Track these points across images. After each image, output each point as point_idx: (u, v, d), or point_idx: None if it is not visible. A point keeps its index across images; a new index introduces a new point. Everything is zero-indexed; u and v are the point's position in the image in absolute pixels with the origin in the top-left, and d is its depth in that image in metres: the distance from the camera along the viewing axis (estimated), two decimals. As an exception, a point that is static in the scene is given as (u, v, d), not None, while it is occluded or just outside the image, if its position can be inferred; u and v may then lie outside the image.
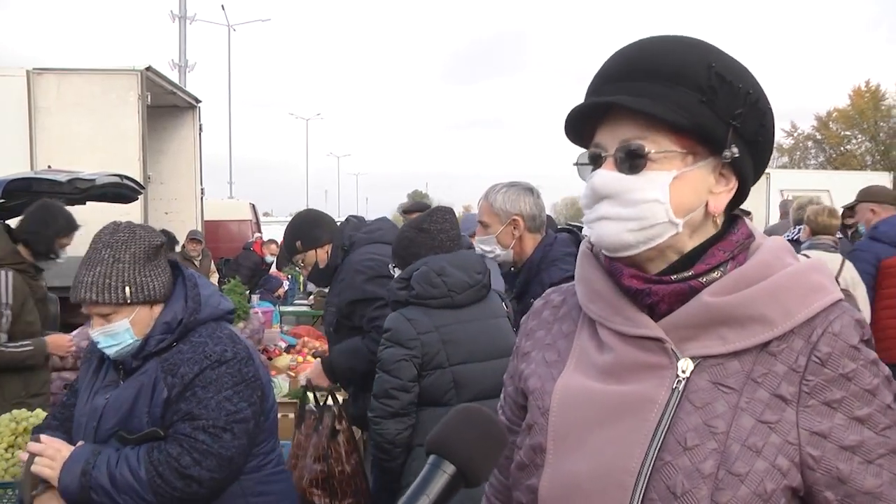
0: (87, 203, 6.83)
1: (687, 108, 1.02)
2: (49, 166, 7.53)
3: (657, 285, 1.05)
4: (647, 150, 1.04)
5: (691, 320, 1.03)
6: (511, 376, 1.26)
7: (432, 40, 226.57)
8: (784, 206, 10.79)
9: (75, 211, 7.21)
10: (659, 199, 1.04)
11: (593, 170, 1.08)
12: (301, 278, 15.31)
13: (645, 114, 1.02)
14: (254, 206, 18.40)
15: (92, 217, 7.75)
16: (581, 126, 1.11)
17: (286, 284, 12.73)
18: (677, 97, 1.02)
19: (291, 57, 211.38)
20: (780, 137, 49.86)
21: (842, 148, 40.97)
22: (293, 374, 5.33)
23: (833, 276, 1.08)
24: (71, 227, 4.17)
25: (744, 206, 1.16)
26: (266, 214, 29.87)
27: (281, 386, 4.90)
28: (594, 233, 1.07)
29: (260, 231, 16.72)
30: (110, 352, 2.09)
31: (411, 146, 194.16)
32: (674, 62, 1.04)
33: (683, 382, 1.02)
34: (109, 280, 2.02)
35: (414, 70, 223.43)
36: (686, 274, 1.05)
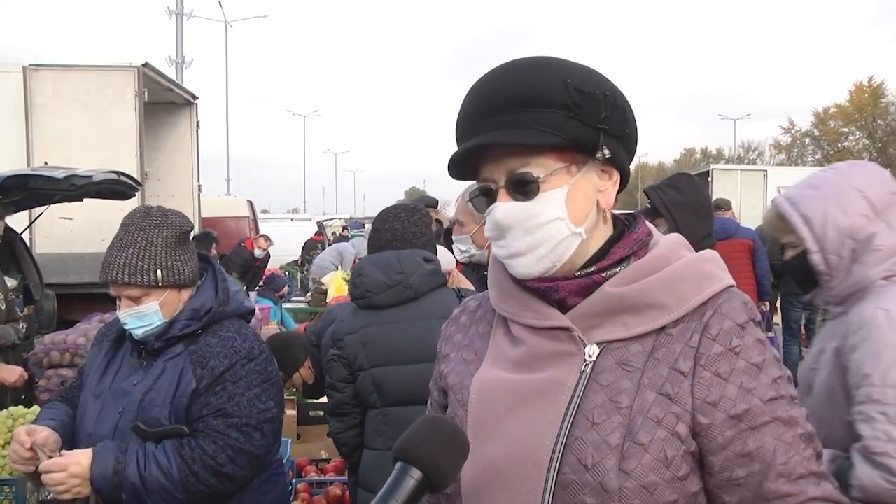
0: (84, 200, 6.83)
1: (559, 128, 1.09)
2: (46, 163, 7.51)
3: (563, 281, 1.13)
4: (536, 175, 1.10)
5: (595, 309, 1.12)
6: (434, 381, 1.33)
7: (434, 37, 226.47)
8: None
9: (74, 207, 7.26)
10: (559, 217, 1.11)
11: (488, 202, 1.15)
12: (299, 276, 15.34)
13: (521, 144, 1.09)
14: (251, 203, 18.40)
15: (89, 215, 7.78)
16: (463, 165, 1.17)
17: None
18: (547, 119, 1.09)
19: (289, 53, 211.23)
20: (777, 134, 50.09)
21: (839, 145, 41.06)
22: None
23: (724, 265, 1.17)
24: None
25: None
26: (264, 211, 29.89)
27: (278, 383, 4.90)
28: (514, 269, 1.14)
29: (258, 229, 16.72)
30: (137, 333, 2.09)
31: (410, 143, 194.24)
32: (534, 88, 1.10)
33: (591, 365, 1.10)
34: (142, 262, 2.03)
35: (414, 67, 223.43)
36: (589, 270, 1.14)
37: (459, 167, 1.17)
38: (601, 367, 1.09)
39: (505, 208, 1.12)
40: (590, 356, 1.10)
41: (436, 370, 1.32)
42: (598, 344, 1.11)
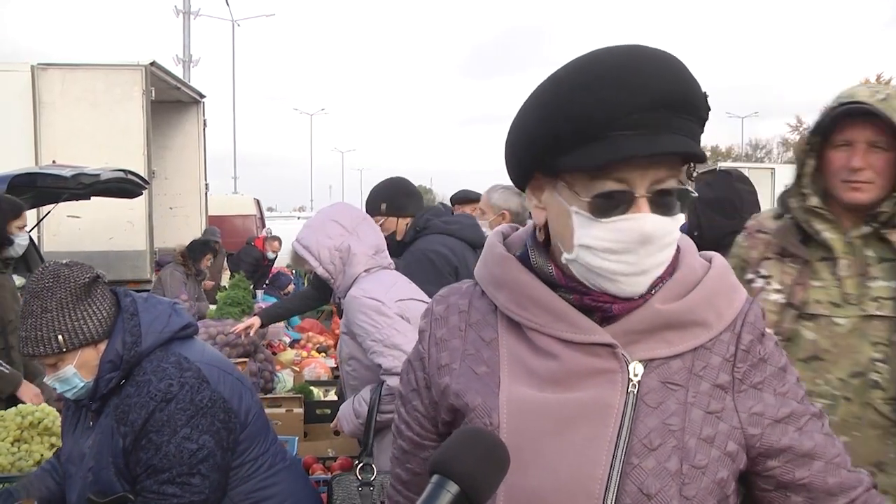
0: (92, 198, 6.86)
1: (698, 141, 1.02)
2: (53, 161, 7.56)
3: (619, 303, 1.04)
4: (689, 191, 1.03)
5: (640, 326, 1.04)
6: (415, 389, 1.20)
7: (439, 35, 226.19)
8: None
9: (81, 206, 7.30)
10: (677, 237, 1.05)
11: (608, 207, 1.00)
12: (306, 275, 15.33)
13: (694, 156, 1.00)
14: (258, 201, 18.43)
15: (97, 214, 7.81)
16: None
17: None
18: (696, 132, 1.01)
19: (296, 52, 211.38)
20: (785, 132, 49.75)
21: (847, 143, 40.74)
22: (297, 370, 5.34)
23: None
24: (17, 207, 4.13)
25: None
26: (270, 209, 29.96)
27: (285, 381, 4.91)
28: (624, 287, 1.02)
29: (264, 226, 16.76)
30: (69, 395, 2.06)
31: (419, 142, 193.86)
32: (695, 94, 1.00)
33: (637, 385, 1.03)
34: (40, 332, 1.96)
35: (419, 64, 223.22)
36: (644, 291, 1.05)
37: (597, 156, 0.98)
38: (647, 387, 1.03)
39: (655, 222, 1.00)
40: (635, 375, 1.03)
41: (416, 376, 1.20)
42: (640, 361, 1.04)
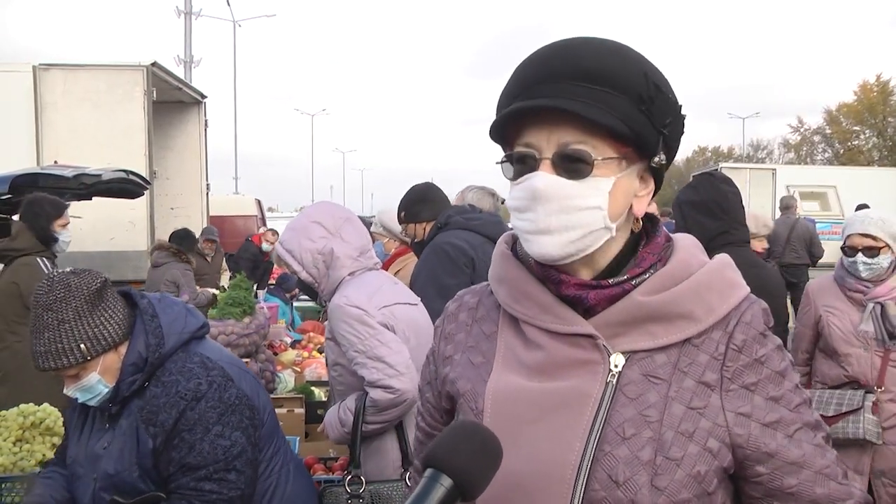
0: (94, 198, 6.86)
1: (628, 116, 1.04)
2: (55, 161, 7.57)
3: (594, 290, 1.07)
4: (592, 156, 1.04)
5: (622, 317, 1.07)
6: (429, 382, 1.27)
7: (447, 36, 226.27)
8: (784, 202, 10.74)
9: (83, 206, 7.31)
10: (600, 206, 1.06)
11: (522, 171, 1.07)
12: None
13: (590, 120, 1.02)
14: (259, 201, 18.43)
15: (99, 214, 7.81)
16: (504, 127, 1.10)
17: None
18: (617, 104, 1.03)
19: (297, 52, 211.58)
20: (786, 133, 49.67)
21: (849, 143, 40.76)
22: (299, 370, 5.35)
23: (738, 270, 1.14)
24: (59, 206, 4.26)
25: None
26: (271, 210, 29.93)
27: (287, 381, 4.91)
28: (533, 246, 1.07)
29: (265, 225, 16.76)
30: (92, 403, 2.03)
31: (421, 142, 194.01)
32: (613, 68, 1.04)
33: (617, 376, 1.05)
34: (61, 344, 1.92)
35: (422, 64, 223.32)
36: (622, 278, 1.08)
37: (501, 129, 1.10)
38: (627, 379, 1.05)
39: (547, 180, 1.04)
40: (616, 366, 1.05)
41: (430, 370, 1.27)
42: (622, 353, 1.06)
